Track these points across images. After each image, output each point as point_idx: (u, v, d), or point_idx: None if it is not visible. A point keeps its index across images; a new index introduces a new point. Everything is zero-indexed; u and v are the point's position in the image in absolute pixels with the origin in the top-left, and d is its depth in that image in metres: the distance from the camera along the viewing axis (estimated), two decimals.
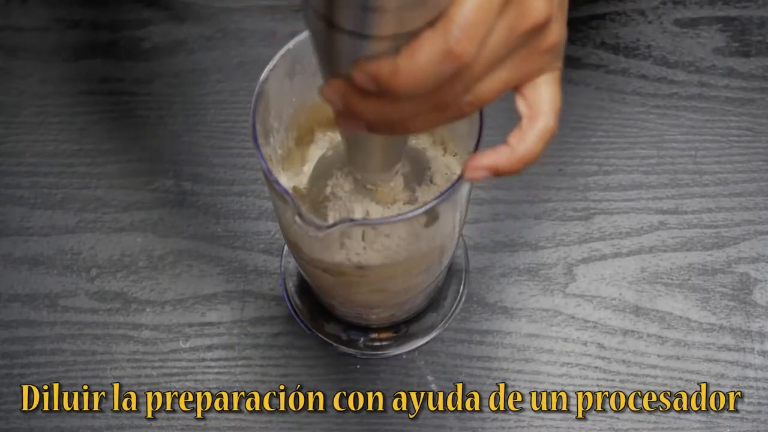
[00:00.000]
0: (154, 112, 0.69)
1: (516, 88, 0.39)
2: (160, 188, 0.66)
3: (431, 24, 0.33)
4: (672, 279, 0.63)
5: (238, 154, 0.67)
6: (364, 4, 0.32)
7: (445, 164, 0.50)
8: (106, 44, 0.71)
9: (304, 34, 0.43)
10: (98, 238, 0.65)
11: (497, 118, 0.48)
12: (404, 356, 0.62)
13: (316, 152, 0.50)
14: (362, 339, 0.62)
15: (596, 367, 0.61)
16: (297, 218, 0.40)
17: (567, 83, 0.69)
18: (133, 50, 0.71)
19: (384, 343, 0.62)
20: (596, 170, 0.67)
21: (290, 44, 0.43)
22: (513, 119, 0.39)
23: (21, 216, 0.66)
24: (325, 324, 0.62)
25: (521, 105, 0.39)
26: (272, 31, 0.71)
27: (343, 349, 0.62)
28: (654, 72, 0.70)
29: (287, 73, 0.44)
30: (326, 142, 0.50)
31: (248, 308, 0.63)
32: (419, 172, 0.50)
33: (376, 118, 0.36)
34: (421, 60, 0.33)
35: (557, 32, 0.38)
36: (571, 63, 0.69)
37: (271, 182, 0.41)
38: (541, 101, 0.39)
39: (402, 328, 0.62)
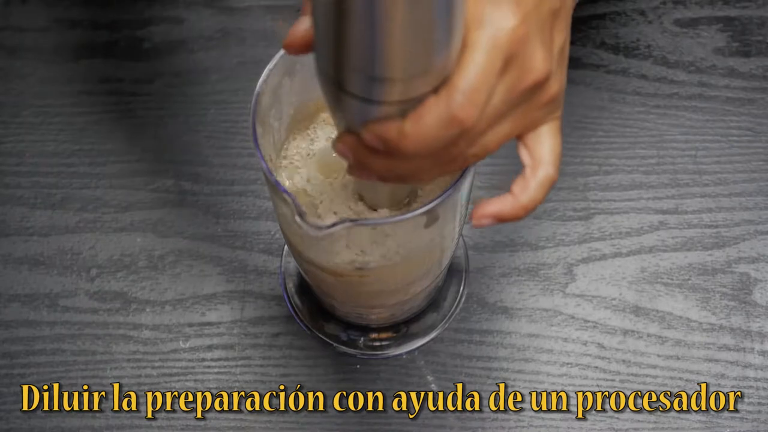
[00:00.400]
0: (154, 112, 0.69)
1: (518, 137, 0.41)
2: (160, 188, 0.66)
3: (435, 90, 0.35)
4: (672, 279, 0.63)
5: (238, 154, 0.67)
6: (371, 75, 0.33)
7: None
8: (106, 44, 0.71)
9: None
10: (98, 238, 0.65)
11: None
12: (404, 356, 0.62)
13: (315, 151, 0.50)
14: (362, 339, 0.62)
15: (596, 367, 0.61)
16: (297, 218, 0.40)
17: (567, 83, 0.69)
18: (133, 50, 0.71)
19: (384, 343, 0.62)
20: (596, 170, 0.67)
21: None
22: None
23: (21, 216, 0.66)
24: (324, 324, 0.63)
25: (524, 155, 0.41)
26: (272, 31, 0.71)
27: (343, 349, 0.62)
28: (654, 72, 0.70)
29: (287, 72, 0.45)
30: (326, 142, 0.50)
31: (248, 308, 0.63)
32: None
33: (386, 172, 0.39)
34: (426, 125, 0.35)
35: (556, 86, 0.40)
36: (571, 63, 0.69)
37: (272, 182, 0.41)
38: (543, 151, 0.41)
39: (402, 328, 0.62)
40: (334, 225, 0.40)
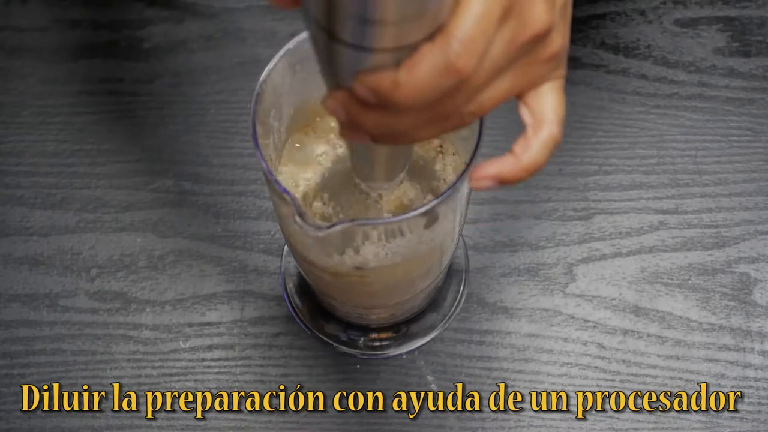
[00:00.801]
0: (154, 112, 0.69)
1: (519, 96, 0.39)
2: (160, 188, 0.67)
3: (431, 37, 0.33)
4: (672, 279, 0.63)
5: (238, 154, 0.67)
6: (363, 17, 0.31)
7: (446, 164, 0.50)
8: (106, 44, 0.71)
9: (304, 34, 0.43)
10: (98, 238, 0.65)
11: (498, 119, 0.48)
12: (404, 356, 0.62)
13: (316, 152, 0.50)
14: (362, 339, 0.62)
15: (596, 367, 0.61)
16: (297, 218, 0.40)
17: (567, 83, 0.69)
18: (133, 50, 0.71)
19: (384, 343, 0.62)
20: (596, 170, 0.67)
21: (290, 44, 0.43)
22: (513, 119, 0.39)
23: (21, 216, 0.66)
24: (325, 324, 0.62)
25: (525, 114, 0.39)
26: (272, 31, 0.71)
27: (343, 349, 0.62)
28: (654, 72, 0.70)
29: (287, 72, 0.45)
30: (326, 142, 0.50)
31: (248, 308, 0.63)
32: (428, 176, 0.50)
33: (379, 129, 0.36)
34: (421, 74, 0.33)
35: (559, 41, 0.38)
36: (571, 63, 0.69)
37: (272, 182, 0.41)
38: (545, 110, 0.39)
39: (402, 328, 0.62)
40: (334, 225, 0.40)
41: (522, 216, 0.65)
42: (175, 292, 0.64)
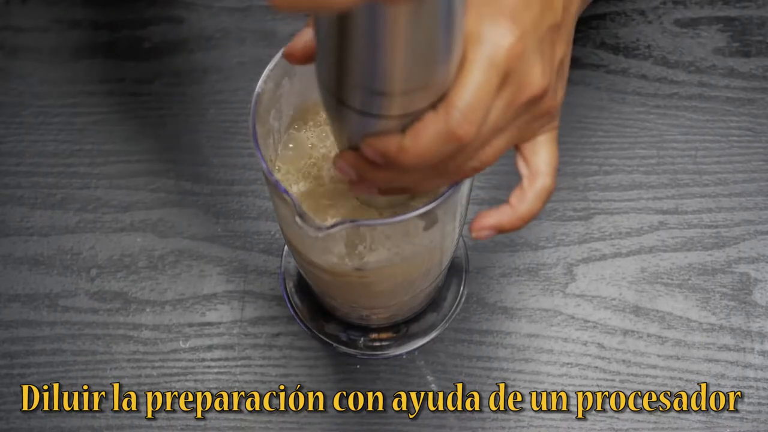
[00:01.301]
0: (154, 112, 0.69)
1: (516, 147, 0.42)
2: (160, 188, 0.66)
3: (434, 106, 0.36)
4: (672, 279, 0.63)
5: (238, 154, 0.67)
6: (371, 89, 0.34)
7: None
8: (106, 44, 0.71)
9: None
10: (98, 238, 0.65)
11: None
12: (404, 356, 0.62)
13: (315, 152, 0.50)
14: (362, 339, 0.62)
15: (596, 367, 0.61)
16: (297, 219, 0.40)
17: (567, 83, 0.69)
18: (133, 50, 0.71)
19: (384, 343, 0.62)
20: (596, 170, 0.67)
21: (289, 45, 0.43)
22: None
23: (21, 216, 0.66)
24: (325, 324, 0.62)
25: (521, 165, 0.42)
26: (272, 31, 0.71)
27: (343, 349, 0.62)
28: (654, 72, 0.70)
29: (287, 73, 0.45)
30: (326, 142, 0.50)
31: (248, 308, 0.63)
32: None
33: (386, 185, 0.40)
34: (424, 140, 0.36)
35: (554, 99, 0.40)
36: (571, 63, 0.69)
37: (272, 183, 0.41)
38: (539, 162, 0.42)
39: (402, 328, 0.62)
40: (334, 225, 0.40)
41: None
42: (175, 292, 0.64)
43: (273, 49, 0.69)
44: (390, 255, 0.45)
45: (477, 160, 0.39)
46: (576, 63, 0.70)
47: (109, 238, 0.65)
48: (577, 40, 0.70)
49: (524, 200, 0.42)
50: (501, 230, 0.42)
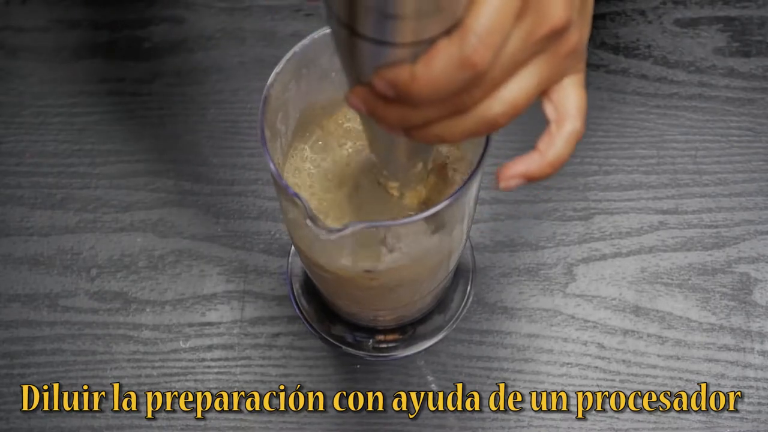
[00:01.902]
0: (154, 112, 0.69)
1: (542, 92, 0.39)
2: (160, 188, 0.67)
3: (448, 32, 0.34)
4: (672, 279, 0.63)
5: (238, 154, 0.67)
6: (383, 11, 0.32)
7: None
8: (106, 44, 0.71)
9: (309, 38, 0.43)
10: (98, 238, 0.65)
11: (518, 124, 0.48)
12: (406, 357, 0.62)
13: (322, 154, 0.50)
14: (370, 341, 0.62)
15: (596, 367, 0.61)
16: (308, 222, 0.40)
17: None
18: (133, 50, 0.71)
19: (390, 344, 0.62)
20: (596, 170, 0.67)
21: (296, 47, 0.43)
22: (526, 122, 0.39)
23: (21, 216, 0.66)
24: (331, 326, 0.62)
25: (549, 109, 0.40)
26: (272, 31, 0.71)
27: (350, 351, 0.62)
28: (654, 72, 0.70)
29: (293, 76, 0.44)
30: (333, 144, 0.50)
31: (248, 308, 0.63)
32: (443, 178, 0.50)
33: (400, 122, 0.37)
34: (437, 67, 0.34)
35: (577, 35, 0.38)
36: None
37: (281, 186, 0.41)
38: (568, 104, 0.40)
39: (408, 329, 0.62)
40: (345, 228, 0.40)
41: (522, 216, 0.65)
42: (175, 292, 0.64)
43: (273, 49, 0.69)
44: (400, 257, 0.45)
45: (502, 102, 0.37)
46: None
47: (109, 238, 0.65)
48: None
49: (553, 145, 0.40)
50: (530, 178, 0.40)
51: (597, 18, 0.71)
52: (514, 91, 0.37)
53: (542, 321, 0.62)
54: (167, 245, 0.65)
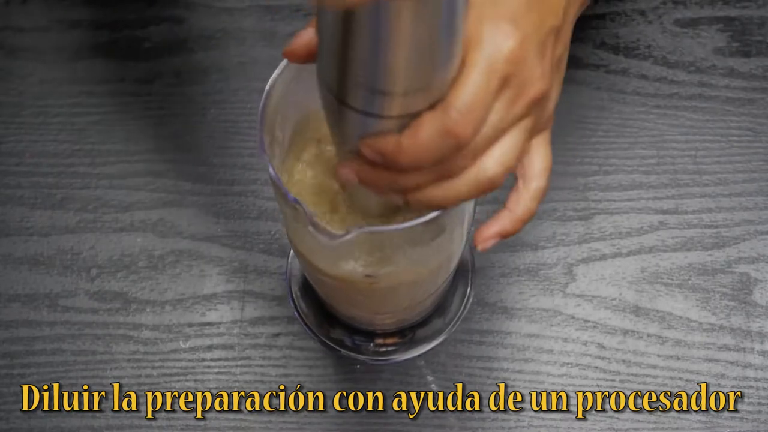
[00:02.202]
0: (154, 112, 0.69)
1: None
2: (160, 188, 0.67)
3: (433, 106, 0.36)
4: (672, 279, 0.63)
5: (238, 154, 0.67)
6: (373, 88, 0.35)
7: None
8: (106, 44, 0.71)
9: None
10: (98, 238, 0.65)
11: None
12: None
13: (319, 160, 0.50)
14: (371, 345, 0.62)
15: (596, 367, 0.61)
16: (310, 228, 0.40)
17: (567, 83, 0.69)
18: (134, 50, 0.71)
19: (390, 348, 0.62)
20: (596, 170, 0.67)
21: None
22: None
23: (21, 216, 0.66)
24: (330, 329, 0.62)
25: (517, 167, 0.43)
26: (272, 31, 0.71)
27: (349, 354, 0.62)
28: (654, 72, 0.70)
29: (290, 83, 0.44)
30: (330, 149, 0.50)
31: (248, 308, 0.63)
32: None
33: (389, 187, 0.40)
34: (421, 137, 0.37)
35: (554, 99, 0.42)
36: (571, 63, 0.69)
37: (282, 192, 0.41)
38: (535, 164, 0.43)
39: (408, 333, 0.62)
40: (347, 233, 0.40)
41: None
42: (175, 292, 0.64)
43: (273, 49, 0.69)
44: (401, 261, 0.45)
45: (491, 164, 0.39)
46: (576, 63, 0.70)
47: (109, 238, 0.65)
48: (577, 40, 0.70)
49: (520, 202, 0.43)
50: (504, 236, 0.44)
51: (597, 18, 0.71)
52: (505, 153, 0.40)
53: (542, 321, 0.62)
54: (167, 245, 0.65)
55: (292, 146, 0.49)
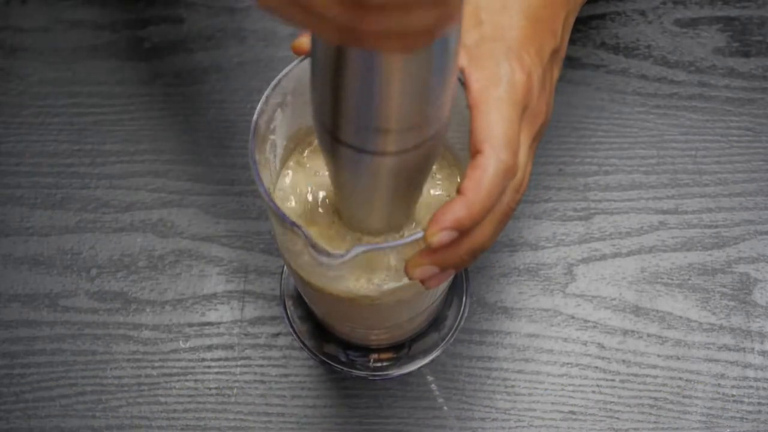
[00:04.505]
0: (154, 112, 0.69)
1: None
2: (160, 188, 0.67)
3: (473, 155, 0.38)
4: (672, 279, 0.63)
5: (238, 154, 0.67)
6: (367, 126, 0.35)
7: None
8: (106, 44, 0.71)
9: (293, 65, 0.43)
10: (98, 238, 0.65)
11: None
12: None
13: (309, 179, 0.50)
14: (368, 360, 0.62)
15: (596, 367, 0.61)
16: (310, 249, 0.40)
17: (567, 83, 0.69)
18: (133, 50, 0.71)
19: (384, 363, 0.61)
20: (596, 170, 0.67)
21: (280, 74, 0.43)
22: None
23: (21, 216, 0.66)
24: (324, 344, 0.62)
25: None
26: (272, 31, 0.71)
27: (343, 370, 0.61)
28: (654, 72, 0.70)
29: (279, 104, 0.44)
30: (319, 169, 0.50)
31: (248, 308, 0.63)
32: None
33: (470, 256, 0.41)
34: (486, 185, 0.38)
35: (549, 121, 0.45)
36: (571, 63, 0.69)
37: (278, 216, 0.40)
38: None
39: (403, 348, 0.62)
40: (348, 253, 0.39)
41: (522, 216, 0.65)
42: (175, 292, 0.64)
43: (273, 48, 0.69)
44: (402, 277, 0.45)
45: (520, 192, 0.42)
46: (576, 63, 0.70)
47: (109, 238, 0.65)
48: (577, 40, 0.71)
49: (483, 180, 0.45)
50: (460, 227, 0.42)
51: (597, 18, 0.71)
52: (526, 178, 0.42)
53: (542, 321, 0.62)
54: (167, 245, 0.65)
55: (283, 167, 0.49)
